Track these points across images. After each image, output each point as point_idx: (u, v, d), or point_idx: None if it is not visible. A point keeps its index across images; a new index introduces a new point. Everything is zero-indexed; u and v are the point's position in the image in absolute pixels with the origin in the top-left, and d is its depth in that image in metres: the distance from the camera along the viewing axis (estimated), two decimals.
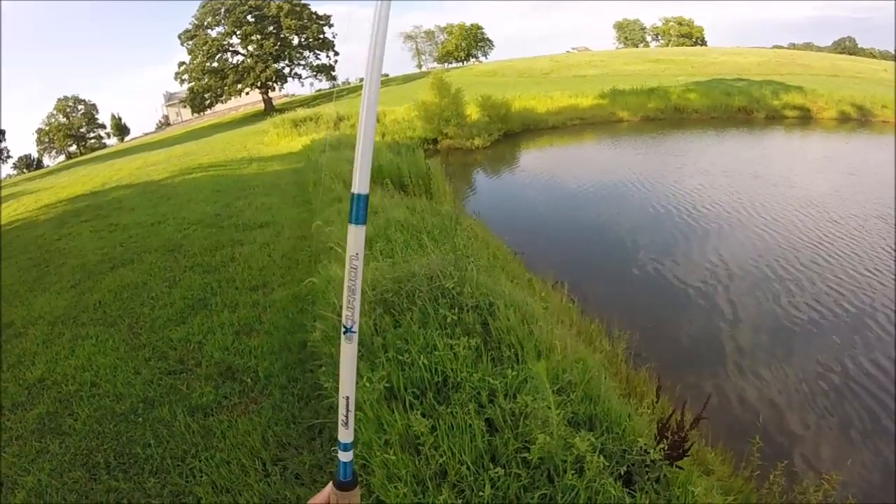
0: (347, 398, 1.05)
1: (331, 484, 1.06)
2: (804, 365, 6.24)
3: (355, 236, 0.99)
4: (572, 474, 2.81)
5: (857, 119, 29.20)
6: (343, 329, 0.98)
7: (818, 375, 6.03)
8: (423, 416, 3.23)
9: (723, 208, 12.27)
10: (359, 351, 3.99)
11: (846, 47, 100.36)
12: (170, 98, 70.95)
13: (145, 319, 6.30)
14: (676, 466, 3.03)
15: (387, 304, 4.38)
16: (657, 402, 3.94)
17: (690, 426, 3.11)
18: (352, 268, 0.98)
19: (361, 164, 1.05)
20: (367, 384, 3.46)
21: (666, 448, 3.03)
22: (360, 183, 1.05)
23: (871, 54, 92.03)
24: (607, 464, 2.89)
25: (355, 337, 0.99)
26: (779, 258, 9.18)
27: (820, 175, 16.22)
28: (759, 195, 13.26)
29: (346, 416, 1.05)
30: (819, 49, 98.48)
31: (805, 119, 29.28)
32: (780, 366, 6.22)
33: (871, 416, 5.37)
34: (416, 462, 3.02)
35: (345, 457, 1.06)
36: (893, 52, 79.61)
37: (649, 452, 3.00)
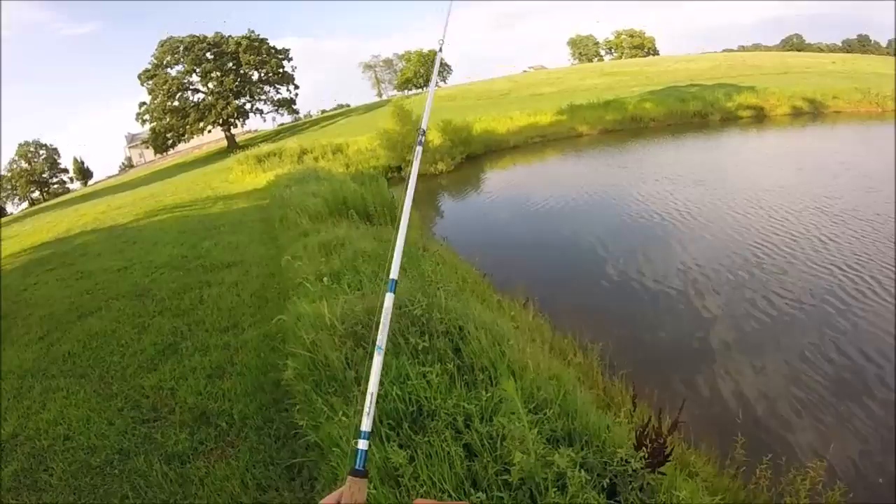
0: (372, 394, 1.38)
1: (340, 490, 1.20)
2: (775, 359, 6.39)
3: (390, 300, 1.58)
4: (555, 492, 2.81)
5: (810, 112, 30.29)
6: (377, 347, 1.47)
7: (790, 368, 6.17)
8: (401, 447, 3.20)
9: (681, 213, 12.62)
10: (331, 386, 3.97)
11: (794, 44, 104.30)
12: (132, 139, 69.91)
13: (116, 368, 6.15)
14: (659, 473, 3.05)
15: (357, 336, 4.36)
16: (634, 411, 3.96)
17: (668, 431, 3.14)
18: (385, 314, 1.55)
19: (396, 257, 1.68)
20: (344, 419, 3.42)
21: (646, 456, 3.04)
22: (395, 271, 1.65)
23: (818, 49, 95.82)
24: (589, 478, 2.90)
25: (383, 352, 1.47)
26: (739, 258, 9.49)
27: (772, 172, 16.78)
28: (714, 198, 13.71)
29: (370, 408, 1.35)
30: (768, 48, 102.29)
31: (759, 117, 30.24)
32: (753, 362, 6.36)
33: (843, 402, 5.50)
34: (398, 494, 2.98)
35: (363, 445, 1.29)
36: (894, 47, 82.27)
37: (630, 462, 3.01)
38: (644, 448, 3.08)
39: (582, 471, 2.88)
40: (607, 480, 2.96)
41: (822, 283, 8.18)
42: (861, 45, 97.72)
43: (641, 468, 2.99)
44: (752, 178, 16.04)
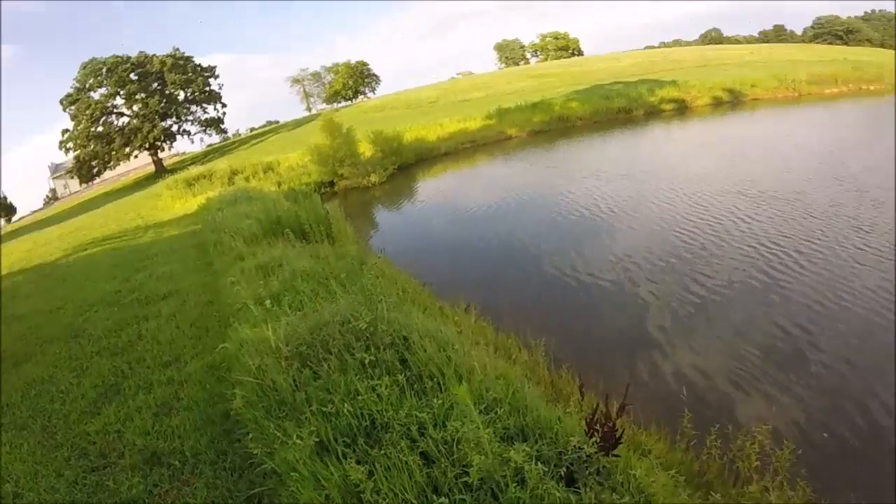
0: None
1: None
2: (711, 335, 6.78)
3: None
4: (515, 486, 2.89)
5: (729, 101, 32.13)
6: None
7: (726, 342, 6.56)
8: (358, 462, 3.20)
9: (610, 207, 13.17)
10: (282, 410, 3.90)
11: (712, 38, 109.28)
12: (56, 169, 65.97)
13: (58, 416, 5.86)
14: (613, 455, 3.18)
15: (303, 357, 4.34)
16: (583, 400, 4.09)
17: (617, 415, 3.26)
18: None
19: None
20: (298, 441, 3.38)
21: (598, 440, 3.16)
22: None
23: (736, 41, 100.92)
24: (546, 469, 2.99)
25: None
26: (668, 244, 10.02)
27: (695, 161, 17.73)
28: (640, 190, 14.39)
29: None
30: (688, 44, 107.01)
31: (681, 109, 31.80)
32: (690, 341, 6.71)
33: (779, 368, 5.93)
34: None
35: None
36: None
37: (583, 448, 3.11)
38: (595, 433, 3.20)
39: (538, 463, 2.98)
40: (564, 469, 3.06)
41: (748, 261, 8.71)
42: (777, 35, 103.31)
43: (595, 453, 3.10)
44: (676, 167, 16.89)
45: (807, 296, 7.40)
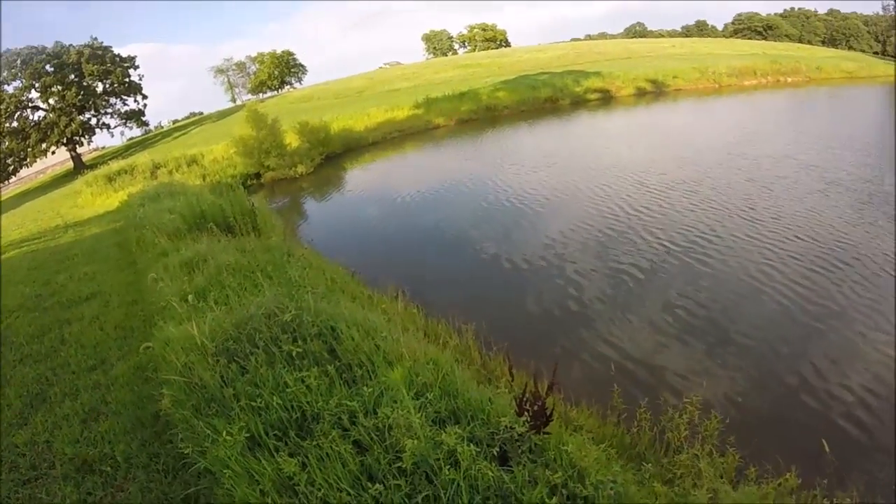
0: None
1: None
2: (636, 315, 7.11)
3: None
4: (448, 468, 2.97)
5: (653, 92, 33.51)
6: None
7: (650, 321, 6.90)
8: (291, 455, 3.21)
9: (536, 194, 13.60)
10: (211, 407, 3.83)
11: (637, 32, 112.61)
12: None
13: None
14: (544, 433, 3.31)
15: (230, 352, 4.29)
16: (513, 381, 4.22)
17: (546, 394, 3.40)
18: None
19: None
20: (228, 438, 3.34)
21: (529, 419, 3.29)
22: None
23: (660, 35, 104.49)
24: (479, 449, 3.08)
25: None
26: (589, 228, 10.54)
27: (610, 151, 18.52)
28: (563, 178, 14.94)
29: None
30: (612, 37, 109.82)
31: (606, 99, 32.93)
32: (616, 320, 7.03)
33: (704, 343, 6.30)
34: (296, 502, 3.00)
35: None
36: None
37: (515, 428, 3.22)
38: (526, 413, 3.33)
39: (471, 445, 3.07)
40: (497, 449, 3.18)
41: (659, 247, 9.24)
42: (699, 30, 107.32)
43: (526, 431, 3.24)
44: (597, 156, 17.66)
45: (716, 279, 7.89)
